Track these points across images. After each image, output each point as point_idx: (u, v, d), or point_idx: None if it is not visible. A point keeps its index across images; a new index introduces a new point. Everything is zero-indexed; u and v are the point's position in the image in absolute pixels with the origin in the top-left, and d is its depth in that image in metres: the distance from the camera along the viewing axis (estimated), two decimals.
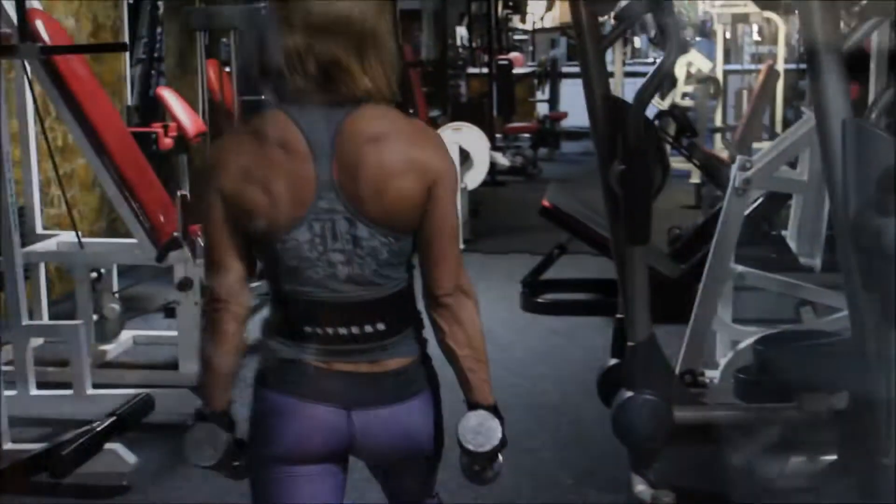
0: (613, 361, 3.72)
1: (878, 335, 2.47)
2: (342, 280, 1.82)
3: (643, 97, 3.23)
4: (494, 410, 1.93)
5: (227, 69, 6.59)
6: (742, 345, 4.34)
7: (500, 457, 1.95)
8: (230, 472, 2.02)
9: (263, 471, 1.98)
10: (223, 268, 1.86)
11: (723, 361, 4.46)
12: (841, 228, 2.48)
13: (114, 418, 3.66)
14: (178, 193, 4.50)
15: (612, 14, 3.40)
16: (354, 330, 1.85)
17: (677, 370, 4.38)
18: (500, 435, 1.91)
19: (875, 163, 2.33)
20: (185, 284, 4.59)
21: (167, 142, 5.93)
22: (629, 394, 3.35)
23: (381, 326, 1.87)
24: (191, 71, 7.44)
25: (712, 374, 4.42)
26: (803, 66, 10.75)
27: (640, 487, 3.36)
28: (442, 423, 1.99)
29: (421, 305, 1.97)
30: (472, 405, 1.93)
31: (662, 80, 3.17)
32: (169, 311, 4.96)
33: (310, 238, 1.79)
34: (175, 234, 4.49)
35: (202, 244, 4.44)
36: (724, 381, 4.26)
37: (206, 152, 6.56)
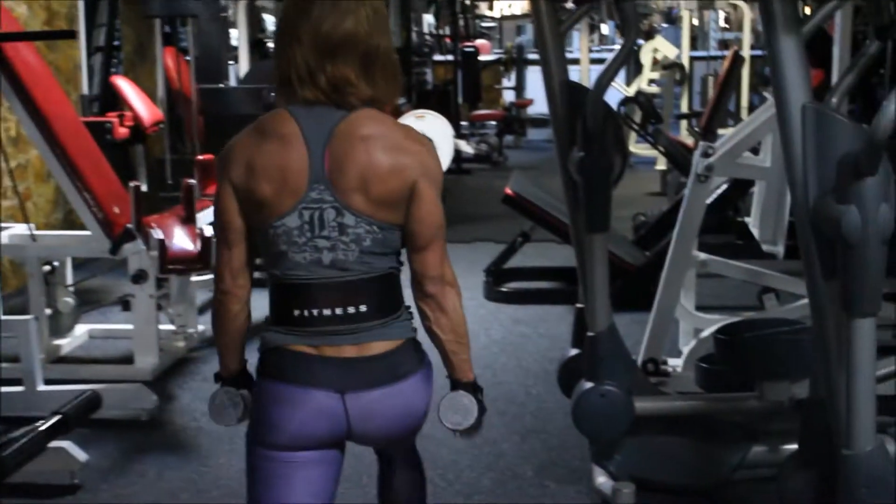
0: (574, 352, 3.67)
1: (837, 324, 2.42)
2: (326, 265, 1.97)
3: (602, 82, 3.17)
4: (473, 386, 2.12)
5: (187, 57, 6.48)
6: (705, 333, 4.31)
7: (481, 419, 2.13)
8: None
9: (261, 459, 2.10)
10: (231, 253, 2.04)
11: (686, 350, 4.43)
12: (801, 216, 2.42)
13: (58, 417, 3.56)
14: (131, 185, 4.40)
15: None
16: (338, 311, 1.99)
17: (640, 359, 4.35)
18: (476, 413, 2.10)
19: (835, 148, 2.28)
20: (139, 277, 4.50)
21: (122, 131, 5.82)
22: (589, 385, 3.29)
23: (363, 308, 2.00)
24: (149, 59, 7.33)
25: (675, 363, 4.39)
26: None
27: (601, 479, 3.31)
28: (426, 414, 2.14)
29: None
30: (454, 382, 2.12)
31: (622, 66, 3.10)
32: (126, 305, 4.87)
33: (299, 224, 1.95)
34: (128, 225, 4.39)
35: (155, 236, 4.37)
36: (687, 370, 4.23)
37: (165, 142, 6.46)
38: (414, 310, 2.12)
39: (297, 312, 2.00)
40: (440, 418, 2.10)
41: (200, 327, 5.22)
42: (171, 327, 4.96)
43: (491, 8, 18.14)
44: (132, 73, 7.56)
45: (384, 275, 2.04)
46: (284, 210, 1.96)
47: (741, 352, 3.29)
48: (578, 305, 3.65)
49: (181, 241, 4.39)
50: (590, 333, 3.36)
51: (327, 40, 1.95)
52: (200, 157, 5.28)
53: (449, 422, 2.10)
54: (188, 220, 4.53)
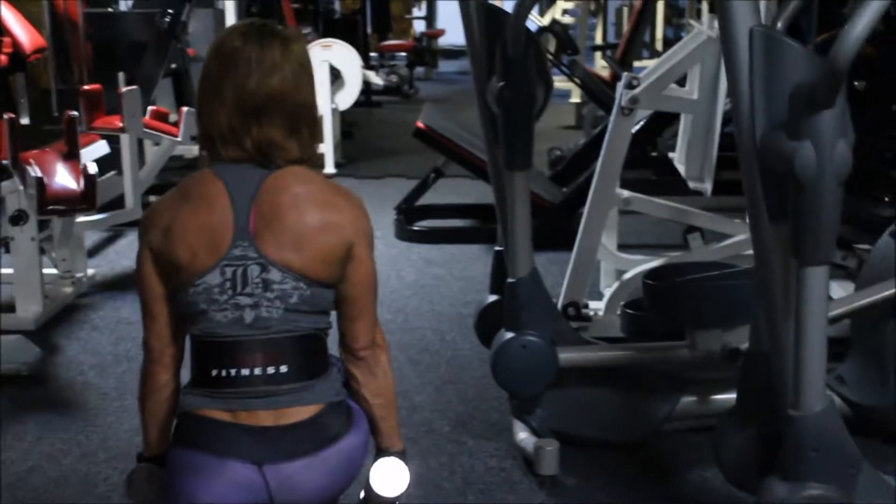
0: (492, 298, 3.43)
1: (784, 272, 2.20)
2: (248, 323, 1.86)
3: (523, 5, 2.89)
4: (402, 455, 2.03)
5: None
6: (628, 275, 4.11)
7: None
8: None
9: None
10: (154, 320, 1.94)
11: (608, 293, 4.22)
12: (746, 152, 2.19)
13: None
14: (5, 116, 3.99)
15: None
16: (257, 371, 1.87)
17: (560, 302, 4.13)
18: (406, 482, 2.00)
19: (787, 77, 2.04)
20: (17, 218, 4.11)
21: (1, 58, 5.35)
22: (510, 335, 3.06)
23: (283, 369, 1.88)
24: None
25: (597, 306, 4.18)
26: None
27: (522, 435, 3.10)
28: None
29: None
30: (382, 450, 2.03)
31: None
32: (7, 247, 4.48)
33: (220, 282, 1.86)
34: (3, 161, 3.99)
35: (32, 174, 3.98)
36: (609, 314, 4.03)
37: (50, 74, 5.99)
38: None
39: (214, 372, 1.88)
40: (370, 486, 1.99)
41: (90, 271, 4.86)
42: (56, 271, 4.58)
43: None
44: None
45: (309, 335, 1.91)
46: (206, 268, 1.86)
47: (670, 298, 3.08)
48: (497, 248, 3.40)
49: (62, 178, 4.01)
50: (510, 279, 3.11)
51: (252, 100, 1.86)
52: (86, 87, 4.86)
53: (381, 490, 1.99)
54: (70, 156, 4.14)
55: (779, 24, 2.46)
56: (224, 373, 1.87)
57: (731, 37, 2.16)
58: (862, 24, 1.94)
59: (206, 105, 1.89)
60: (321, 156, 1.88)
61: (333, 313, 1.96)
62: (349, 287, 1.91)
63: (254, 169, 1.88)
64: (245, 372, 1.87)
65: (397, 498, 2.00)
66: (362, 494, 2.03)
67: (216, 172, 1.89)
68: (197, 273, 1.86)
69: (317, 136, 1.96)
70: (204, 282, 1.85)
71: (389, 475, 1.99)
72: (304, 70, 1.91)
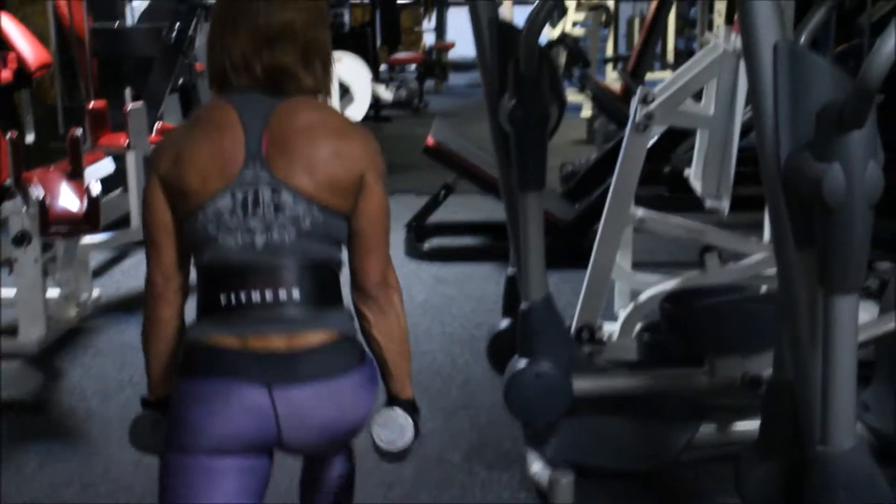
0: (505, 323, 3.32)
1: (811, 300, 2.09)
2: (259, 248, 1.82)
3: (536, 21, 2.79)
4: (412, 405, 1.94)
5: None
6: (643, 296, 4.00)
7: (412, 445, 1.95)
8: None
9: (175, 469, 1.86)
10: (159, 252, 1.88)
11: (622, 314, 4.11)
12: (770, 173, 2.09)
13: None
14: (8, 136, 3.91)
15: None
16: (268, 296, 1.82)
17: (573, 324, 4.02)
18: (412, 433, 1.92)
19: (814, 96, 1.94)
20: (20, 239, 4.03)
21: (5, 75, 5.29)
22: (523, 362, 2.95)
23: (296, 295, 1.83)
24: None
25: (611, 328, 4.07)
26: None
27: (536, 467, 2.99)
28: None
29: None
30: (391, 398, 1.94)
31: (556, 4, 2.72)
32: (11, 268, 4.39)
33: (231, 206, 1.82)
34: (6, 182, 3.91)
35: (35, 195, 3.90)
36: (624, 336, 3.92)
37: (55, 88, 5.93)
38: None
39: (223, 299, 1.83)
40: (371, 434, 1.91)
41: (95, 292, 4.77)
42: (60, 293, 4.49)
43: None
44: (22, 11, 6.96)
45: (322, 264, 1.86)
46: (216, 191, 1.82)
47: (689, 323, 2.97)
48: (510, 271, 3.30)
49: (65, 199, 3.93)
50: (523, 305, 3.01)
51: (265, 30, 1.85)
52: (92, 105, 4.79)
53: (381, 440, 1.90)
54: (74, 176, 4.06)
55: (801, 39, 2.35)
56: (234, 299, 1.82)
57: (755, 52, 2.07)
58: (894, 40, 1.84)
59: (218, 38, 1.87)
60: (329, 86, 1.89)
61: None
62: (361, 218, 1.86)
63: (265, 97, 1.86)
64: (256, 297, 1.81)
65: (402, 450, 1.91)
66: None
67: (228, 100, 1.87)
68: (207, 197, 1.81)
69: (329, 73, 1.93)
70: (214, 206, 1.81)
71: (396, 424, 1.90)
72: (318, 6, 1.90)
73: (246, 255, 1.82)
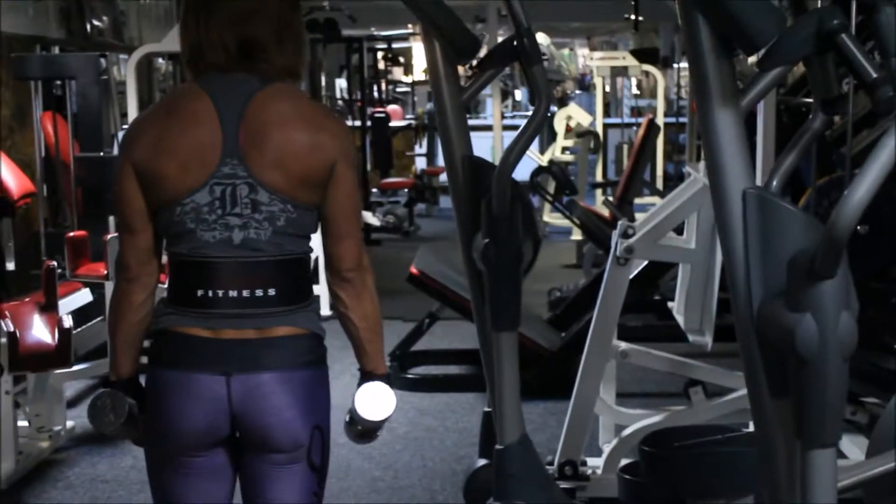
0: (482, 462, 3.23)
1: (788, 450, 2.02)
2: (237, 244, 1.88)
3: (510, 158, 2.78)
4: (387, 379, 2.04)
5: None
6: (627, 431, 3.92)
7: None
8: (132, 437, 2.07)
9: (155, 464, 2.01)
10: (134, 237, 1.93)
11: (607, 449, 4.01)
12: (742, 321, 2.03)
13: None
14: None
15: (474, 64, 2.96)
16: (245, 293, 1.89)
17: (556, 459, 3.93)
18: (393, 404, 2.01)
19: (784, 244, 1.90)
20: None
21: None
22: None
23: (271, 292, 1.90)
24: (30, 124, 6.79)
25: (595, 463, 3.97)
26: (683, 119, 10.66)
27: None
28: (328, 422, 2.01)
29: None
30: (367, 374, 2.04)
31: (533, 138, 2.72)
32: None
33: (209, 201, 1.86)
34: None
35: (5, 328, 3.84)
36: (608, 472, 3.82)
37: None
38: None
39: (199, 293, 1.90)
40: (354, 409, 2.01)
41: (69, 423, 4.67)
42: (32, 425, 4.39)
43: (407, 73, 17.90)
44: (10, 140, 7.00)
45: (296, 259, 1.95)
46: (194, 186, 1.86)
47: (669, 466, 2.88)
48: (486, 409, 3.22)
49: (37, 332, 3.87)
50: (498, 446, 2.93)
51: (240, 9, 1.89)
52: (71, 234, 4.77)
53: (367, 413, 2.00)
54: (48, 308, 4.01)
55: (774, 182, 2.32)
56: (210, 293, 1.88)
57: (723, 199, 2.03)
58: (863, 188, 1.81)
59: (193, 19, 1.92)
60: (302, 74, 2.04)
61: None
62: (334, 205, 1.93)
63: (240, 82, 1.89)
64: (233, 293, 1.89)
65: (383, 421, 2.01)
66: (347, 418, 2.04)
67: (202, 86, 1.90)
68: (186, 191, 1.85)
69: (301, 54, 1.98)
70: (192, 200, 1.86)
71: (376, 398, 1.98)
72: (287, 4, 1.96)
73: (223, 251, 1.88)
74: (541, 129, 2.66)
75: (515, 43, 2.67)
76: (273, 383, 1.90)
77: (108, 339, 2.01)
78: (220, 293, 1.89)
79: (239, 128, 1.86)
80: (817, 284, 1.85)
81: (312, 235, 2.00)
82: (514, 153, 2.75)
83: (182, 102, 1.92)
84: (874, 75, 1.85)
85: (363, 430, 2.06)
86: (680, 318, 4.04)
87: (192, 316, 1.91)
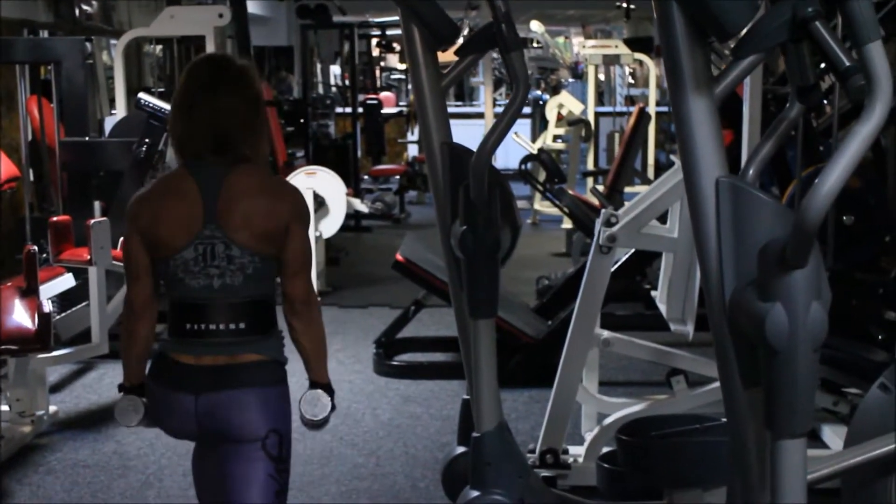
0: (460, 450, 3.22)
1: (759, 440, 2.01)
2: (216, 288, 2.40)
3: (488, 145, 2.76)
4: (328, 387, 2.54)
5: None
6: (609, 419, 3.92)
7: (329, 416, 2.56)
8: (149, 425, 2.58)
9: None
10: (137, 283, 2.47)
11: (588, 437, 4.01)
12: (715, 309, 2.02)
13: None
14: None
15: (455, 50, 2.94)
16: (222, 326, 2.41)
17: (538, 447, 3.93)
18: (330, 408, 2.53)
19: (756, 233, 1.89)
20: None
21: None
22: (474, 494, 2.85)
23: (242, 325, 2.41)
24: (15, 108, 6.76)
25: (577, 452, 3.97)
26: None
27: None
28: (286, 428, 2.47)
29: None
30: (312, 383, 2.54)
31: (511, 126, 2.71)
32: None
33: (194, 256, 2.38)
34: None
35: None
36: (589, 461, 3.81)
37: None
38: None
39: (188, 326, 2.42)
40: (300, 410, 2.50)
41: (52, 408, 4.66)
42: (13, 410, 4.38)
43: (402, 61, 17.86)
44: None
45: (262, 300, 2.45)
46: (183, 246, 2.38)
47: (646, 455, 2.88)
48: (465, 397, 3.21)
49: (17, 317, 3.86)
50: (475, 434, 2.92)
51: (215, 112, 2.39)
52: (55, 219, 4.74)
53: (307, 413, 2.51)
54: (29, 293, 3.99)
55: (750, 171, 2.31)
56: (196, 327, 2.41)
57: (696, 187, 2.02)
58: (833, 178, 1.80)
59: (178, 117, 2.43)
60: (266, 158, 2.71)
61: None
62: (289, 253, 2.43)
63: (216, 165, 2.40)
64: (213, 327, 2.41)
65: (322, 420, 2.51)
66: (297, 415, 2.51)
67: (188, 170, 2.42)
68: (176, 249, 2.39)
69: (263, 145, 2.50)
70: (182, 256, 2.39)
71: (316, 402, 2.50)
72: (255, 96, 2.46)
73: (205, 294, 2.39)
74: (518, 115, 2.64)
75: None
76: (233, 397, 2.40)
77: (122, 356, 2.52)
78: (204, 326, 2.41)
79: (216, 201, 2.38)
80: (788, 274, 1.83)
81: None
82: (492, 140, 2.73)
83: (173, 182, 2.45)
84: (847, 64, 1.83)
85: (307, 424, 2.55)
86: (662, 308, 4.03)
87: (182, 344, 2.43)
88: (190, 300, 2.41)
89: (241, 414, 2.39)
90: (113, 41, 7.67)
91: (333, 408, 2.55)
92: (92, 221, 4.59)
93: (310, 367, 2.53)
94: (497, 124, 2.77)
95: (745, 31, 1.98)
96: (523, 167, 7.15)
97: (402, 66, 17.45)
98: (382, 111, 12.31)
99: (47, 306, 3.87)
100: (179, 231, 2.38)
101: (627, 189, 8.61)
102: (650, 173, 10.28)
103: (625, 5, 9.52)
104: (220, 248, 2.38)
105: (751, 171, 2.33)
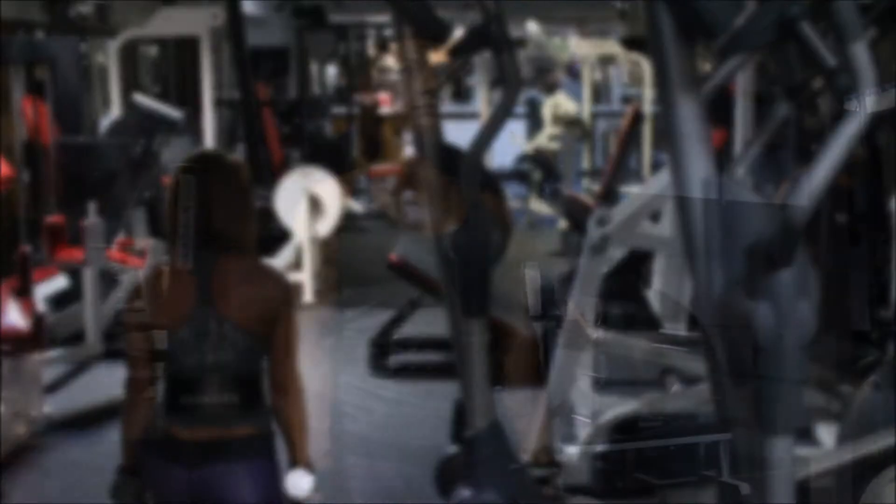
0: (453, 449, 3.23)
1: (749, 439, 2.02)
2: (209, 365, 2.51)
3: (479, 146, 2.77)
4: (308, 466, 2.60)
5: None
6: (602, 419, 3.92)
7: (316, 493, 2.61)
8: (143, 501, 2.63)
9: None
10: (137, 374, 2.57)
11: (581, 436, 4.01)
12: (703, 306, 2.03)
13: None
14: None
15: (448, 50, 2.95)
16: (216, 399, 2.51)
17: (531, 446, 3.93)
18: (308, 487, 2.57)
19: (743, 231, 1.90)
20: None
21: None
22: (467, 493, 2.86)
23: (235, 398, 2.51)
24: (8, 109, 6.75)
25: (571, 451, 3.98)
26: None
27: None
28: (278, 501, 2.56)
29: None
30: (293, 462, 2.59)
31: (500, 126, 2.72)
32: None
33: (189, 335, 2.51)
34: None
35: None
36: (583, 460, 3.82)
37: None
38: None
39: (183, 399, 2.52)
40: (284, 486, 2.56)
41: (47, 409, 4.66)
42: (7, 410, 4.37)
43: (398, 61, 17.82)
44: None
45: (252, 375, 2.56)
46: (179, 326, 2.51)
47: (640, 454, 2.89)
48: (458, 397, 3.22)
49: (11, 318, 3.86)
50: (468, 433, 2.93)
51: (203, 205, 2.53)
52: (49, 219, 4.75)
53: (291, 490, 2.56)
54: (22, 293, 3.99)
55: (739, 172, 2.33)
56: (191, 401, 2.51)
57: (685, 187, 2.03)
58: (818, 177, 1.81)
59: (173, 213, 2.55)
60: (255, 246, 2.74)
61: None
62: (277, 339, 2.55)
63: (208, 252, 2.53)
64: (206, 400, 2.51)
65: (304, 499, 2.56)
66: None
67: (182, 257, 2.53)
68: (173, 329, 2.51)
69: (250, 239, 2.62)
70: (178, 335, 2.51)
71: (298, 481, 2.55)
72: (242, 196, 2.61)
73: (200, 370, 2.50)
74: (508, 116, 2.65)
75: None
76: (216, 476, 2.49)
77: (122, 434, 2.61)
78: (197, 399, 2.52)
79: (209, 286, 2.52)
80: (774, 273, 1.85)
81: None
82: (483, 141, 2.74)
83: (168, 268, 2.57)
84: (833, 63, 1.84)
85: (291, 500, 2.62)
86: (656, 306, 4.04)
87: (178, 418, 2.52)
88: (186, 374, 2.53)
89: (234, 489, 2.50)
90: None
91: (317, 489, 2.60)
92: (86, 222, 4.60)
93: (291, 446, 2.60)
94: (488, 125, 2.79)
95: (732, 30, 1.99)
96: (519, 168, 7.17)
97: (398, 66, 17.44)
98: (379, 111, 12.31)
99: (41, 307, 3.88)
100: (177, 315, 2.52)
101: (624, 189, 8.63)
102: (647, 173, 10.28)
103: (619, 5, 9.53)
104: (214, 326, 2.52)
105: (740, 170, 2.35)
